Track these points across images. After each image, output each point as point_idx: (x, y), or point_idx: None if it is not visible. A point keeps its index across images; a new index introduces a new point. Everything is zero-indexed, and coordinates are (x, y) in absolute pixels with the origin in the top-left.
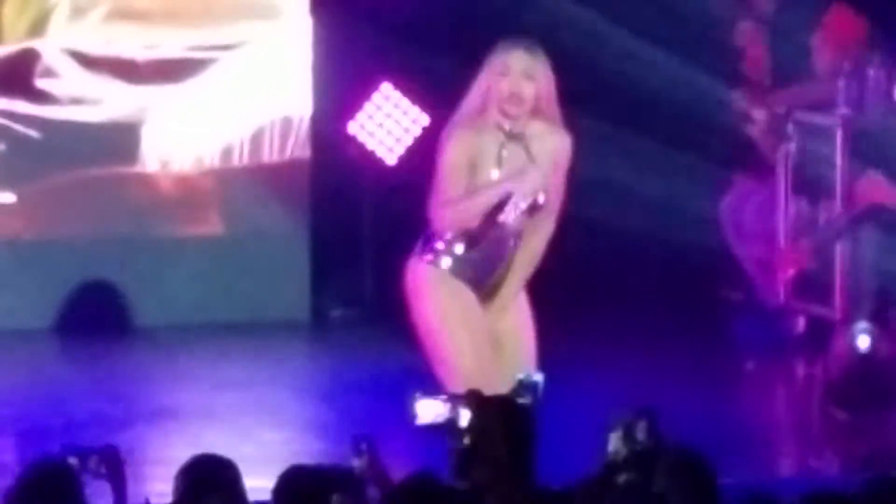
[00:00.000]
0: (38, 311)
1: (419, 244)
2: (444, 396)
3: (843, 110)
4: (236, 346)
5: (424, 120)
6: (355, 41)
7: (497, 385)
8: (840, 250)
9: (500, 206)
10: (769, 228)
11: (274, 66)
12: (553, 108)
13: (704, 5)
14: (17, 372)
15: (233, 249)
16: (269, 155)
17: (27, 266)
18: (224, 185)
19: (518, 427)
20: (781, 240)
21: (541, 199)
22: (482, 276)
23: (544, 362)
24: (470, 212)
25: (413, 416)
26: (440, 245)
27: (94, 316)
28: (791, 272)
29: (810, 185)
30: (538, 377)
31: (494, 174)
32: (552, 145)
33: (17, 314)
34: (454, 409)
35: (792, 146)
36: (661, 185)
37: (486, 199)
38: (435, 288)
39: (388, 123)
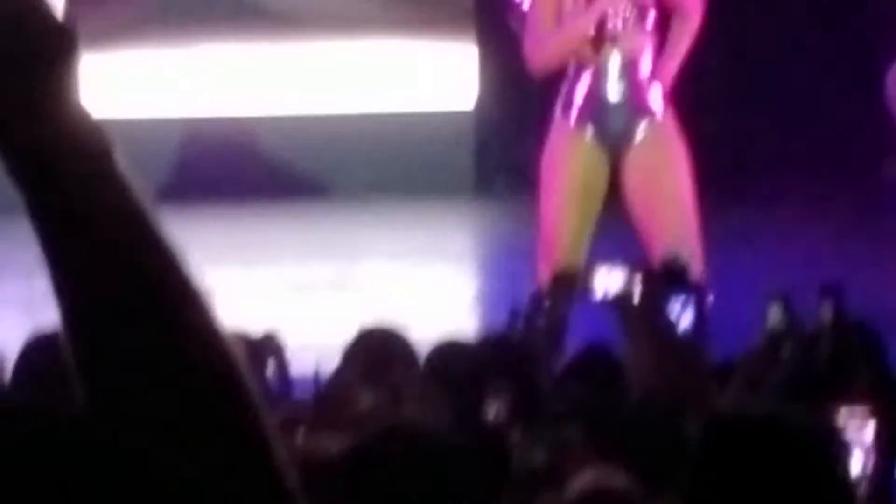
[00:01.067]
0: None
1: (559, 104)
2: (620, 266)
3: None
4: (405, 216)
5: None
6: None
7: None
8: None
9: (601, 26)
10: None
11: None
12: None
13: None
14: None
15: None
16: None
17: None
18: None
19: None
20: None
21: None
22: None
23: (706, 233)
24: (572, 36)
25: (589, 288)
26: (578, 102)
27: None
28: None
29: None
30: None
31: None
32: None
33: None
34: (630, 279)
35: None
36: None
37: (584, 20)
38: (568, 157)
39: None
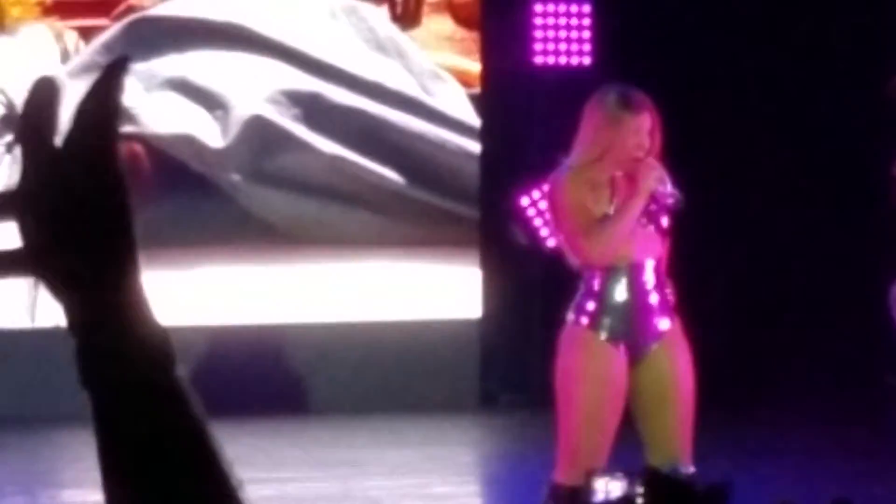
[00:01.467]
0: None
1: (571, 309)
2: (621, 474)
3: None
4: (409, 430)
5: None
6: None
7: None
8: None
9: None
10: None
11: None
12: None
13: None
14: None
15: (406, 336)
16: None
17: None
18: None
19: None
20: None
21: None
22: (639, 328)
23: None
24: (626, 226)
25: (590, 494)
26: (591, 305)
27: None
28: None
29: None
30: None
31: (609, 203)
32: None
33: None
34: (631, 487)
35: None
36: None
37: (633, 210)
38: (586, 357)
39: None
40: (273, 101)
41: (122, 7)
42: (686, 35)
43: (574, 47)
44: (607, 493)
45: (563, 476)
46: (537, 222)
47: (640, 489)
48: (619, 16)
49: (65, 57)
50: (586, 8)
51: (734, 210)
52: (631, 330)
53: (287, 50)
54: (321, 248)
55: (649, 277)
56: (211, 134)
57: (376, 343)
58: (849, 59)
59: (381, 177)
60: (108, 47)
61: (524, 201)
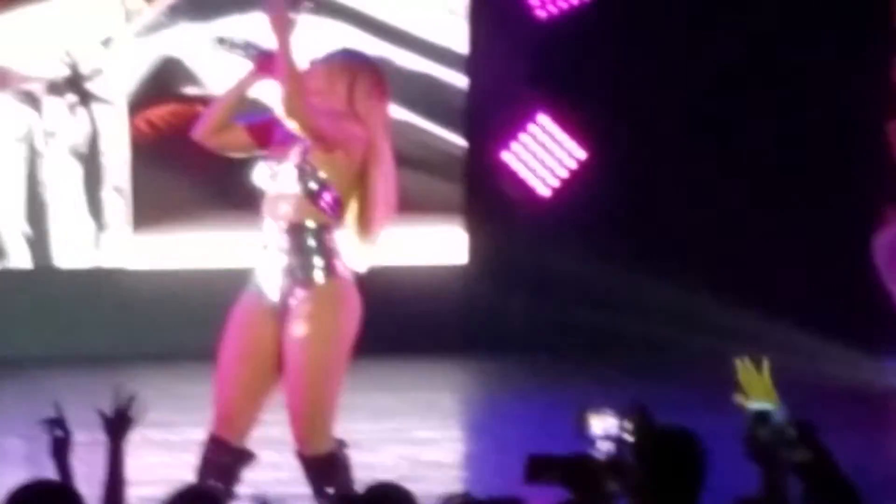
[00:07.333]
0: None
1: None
2: (612, 411)
3: None
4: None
5: (581, 154)
6: (513, 71)
7: None
8: None
9: None
10: None
11: None
12: None
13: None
14: None
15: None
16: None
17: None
18: None
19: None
20: None
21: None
22: None
23: None
24: None
25: (584, 429)
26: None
27: None
28: None
29: None
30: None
31: None
32: None
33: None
34: (622, 425)
35: None
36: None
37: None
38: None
39: (542, 154)
40: None
41: None
42: None
43: None
44: (604, 429)
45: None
46: (524, 174)
47: (628, 425)
48: None
49: (129, 17)
50: None
51: None
52: None
53: (353, 12)
54: None
55: None
56: (275, 96)
57: (366, 286)
58: None
59: (449, 142)
60: (173, 8)
61: (506, 157)
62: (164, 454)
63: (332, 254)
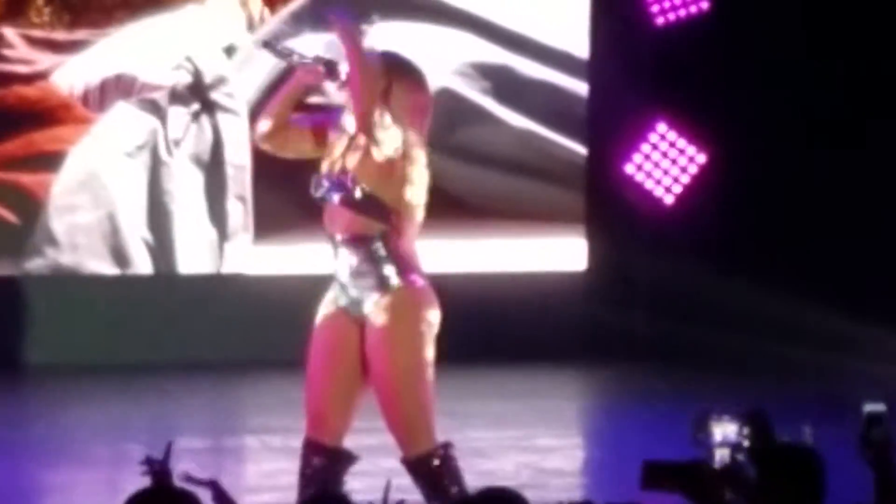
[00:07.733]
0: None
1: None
2: (731, 417)
3: None
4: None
5: (701, 158)
6: (633, 77)
7: None
8: None
9: None
10: None
11: None
12: None
13: None
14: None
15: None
16: None
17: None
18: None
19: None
20: None
21: None
22: None
23: None
24: None
25: (704, 436)
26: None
27: None
28: None
29: None
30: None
31: None
32: None
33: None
34: (741, 431)
35: None
36: None
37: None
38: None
39: (664, 163)
40: (461, 73)
41: None
42: None
43: None
44: (724, 435)
45: None
46: (648, 185)
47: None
48: None
49: (251, 25)
50: None
51: None
52: None
53: (475, 20)
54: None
55: None
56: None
57: (484, 294)
58: None
59: (570, 151)
60: (296, 16)
61: (629, 168)
62: (283, 461)
63: (402, 260)
